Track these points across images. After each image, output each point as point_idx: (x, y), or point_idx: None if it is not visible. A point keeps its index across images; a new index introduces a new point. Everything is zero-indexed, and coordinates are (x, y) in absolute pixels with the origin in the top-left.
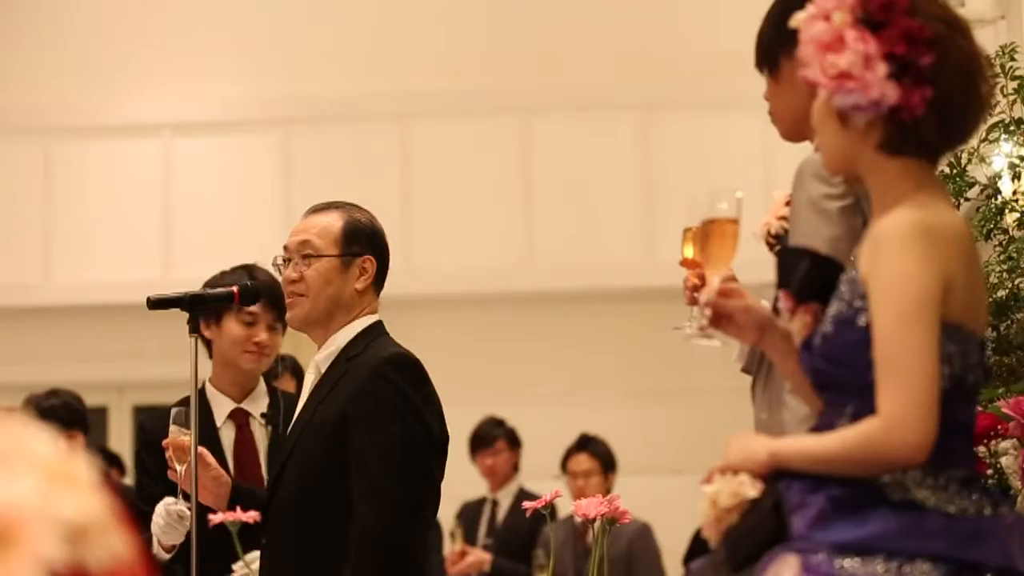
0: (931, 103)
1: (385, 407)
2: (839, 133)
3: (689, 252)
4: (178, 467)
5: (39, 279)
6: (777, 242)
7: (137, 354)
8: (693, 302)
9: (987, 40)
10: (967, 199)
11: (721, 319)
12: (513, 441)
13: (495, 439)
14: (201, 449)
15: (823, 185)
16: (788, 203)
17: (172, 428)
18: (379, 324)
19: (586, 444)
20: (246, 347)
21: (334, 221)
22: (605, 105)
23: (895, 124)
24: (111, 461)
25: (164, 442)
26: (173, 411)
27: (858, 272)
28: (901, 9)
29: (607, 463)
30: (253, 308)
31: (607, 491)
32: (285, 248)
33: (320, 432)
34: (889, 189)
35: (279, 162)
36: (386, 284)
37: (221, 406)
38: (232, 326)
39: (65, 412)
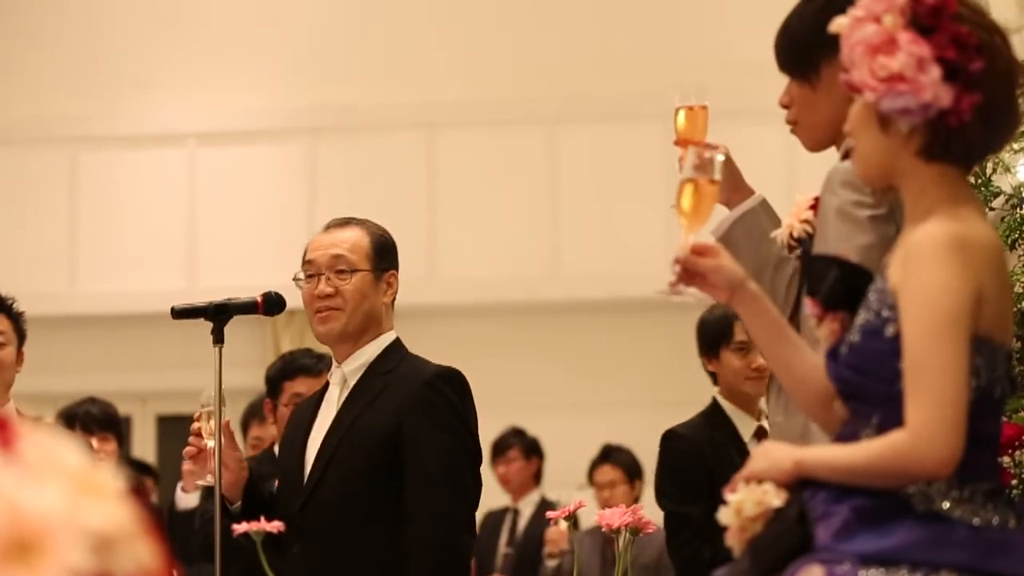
0: (978, 109)
1: (441, 419)
2: (879, 139)
3: (682, 124)
4: (209, 443)
5: (64, 288)
6: (799, 245)
7: (161, 363)
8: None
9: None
10: (992, 209)
11: (694, 276)
12: (530, 451)
13: (509, 448)
14: (225, 422)
15: (853, 192)
16: (812, 206)
17: (206, 402)
18: (400, 340)
19: (609, 455)
20: (748, 374)
21: (362, 236)
22: (630, 115)
23: (940, 129)
24: (144, 470)
25: (196, 414)
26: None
27: (887, 282)
28: (950, 14)
29: (632, 471)
30: (742, 337)
31: (635, 499)
32: (310, 263)
33: (368, 440)
34: (923, 196)
35: (304, 172)
36: (411, 293)
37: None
38: (730, 358)
39: (101, 416)
